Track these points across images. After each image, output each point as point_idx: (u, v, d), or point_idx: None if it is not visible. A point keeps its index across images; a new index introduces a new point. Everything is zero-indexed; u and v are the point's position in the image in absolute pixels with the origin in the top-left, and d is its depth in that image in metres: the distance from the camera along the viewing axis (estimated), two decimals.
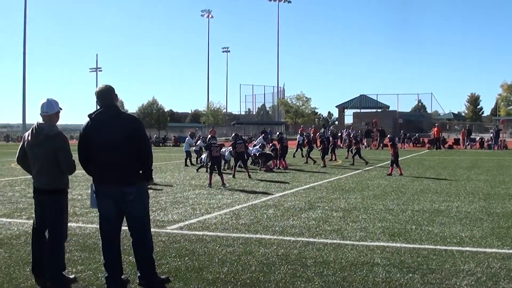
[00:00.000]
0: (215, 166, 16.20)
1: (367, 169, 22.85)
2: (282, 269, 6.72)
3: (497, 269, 6.70)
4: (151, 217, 10.53)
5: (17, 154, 6.35)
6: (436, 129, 45.08)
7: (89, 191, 6.26)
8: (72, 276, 6.31)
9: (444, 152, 40.04)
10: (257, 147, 23.77)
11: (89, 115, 6.03)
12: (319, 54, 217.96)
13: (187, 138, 27.06)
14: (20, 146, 6.35)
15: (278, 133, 27.68)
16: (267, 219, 10.37)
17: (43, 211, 6.19)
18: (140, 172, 6.05)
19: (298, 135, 35.70)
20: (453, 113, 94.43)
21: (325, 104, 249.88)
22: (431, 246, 8.01)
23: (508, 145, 45.41)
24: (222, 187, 15.71)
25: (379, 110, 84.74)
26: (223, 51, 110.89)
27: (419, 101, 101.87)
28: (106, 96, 6.06)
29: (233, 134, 20.61)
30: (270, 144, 24.95)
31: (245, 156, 19.97)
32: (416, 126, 73.96)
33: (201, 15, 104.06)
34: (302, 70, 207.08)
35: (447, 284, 6.10)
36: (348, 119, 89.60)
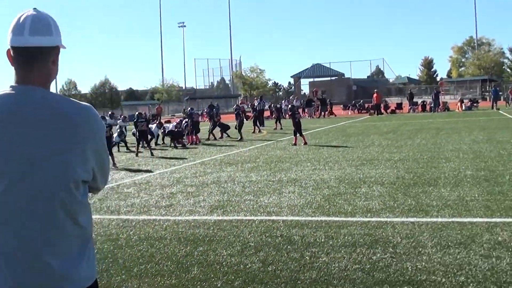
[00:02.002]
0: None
1: (282, 139, 23.13)
2: None
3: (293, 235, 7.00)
4: None
5: None
6: (375, 95, 45.57)
7: None
8: None
9: (382, 118, 40.58)
10: (170, 125, 23.95)
11: None
12: (273, 25, 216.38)
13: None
14: None
15: (189, 108, 27.79)
16: (115, 198, 10.55)
17: None
18: None
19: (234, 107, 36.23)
20: (408, 77, 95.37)
21: (285, 75, 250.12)
22: (214, 217, 8.30)
23: (452, 107, 46.06)
24: (112, 167, 15.84)
25: (333, 78, 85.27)
26: (179, 26, 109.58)
27: (377, 66, 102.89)
28: None
29: (137, 113, 20.77)
30: (184, 120, 25.07)
31: (147, 134, 20.14)
32: (370, 92, 74.56)
33: None
34: (258, 42, 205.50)
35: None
36: (305, 88, 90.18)
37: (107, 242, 7.17)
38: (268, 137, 25.18)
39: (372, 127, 28.91)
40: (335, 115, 47.14)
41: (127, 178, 13.54)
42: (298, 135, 19.91)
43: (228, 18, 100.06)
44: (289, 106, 21.36)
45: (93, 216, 8.21)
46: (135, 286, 5.48)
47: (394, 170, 12.32)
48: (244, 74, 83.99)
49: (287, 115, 48.16)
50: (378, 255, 6.00)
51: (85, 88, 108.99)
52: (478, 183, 10.08)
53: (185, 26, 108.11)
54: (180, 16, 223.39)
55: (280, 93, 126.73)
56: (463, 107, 44.08)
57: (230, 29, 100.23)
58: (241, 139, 24.02)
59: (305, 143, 19.71)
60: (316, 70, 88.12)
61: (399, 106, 49.04)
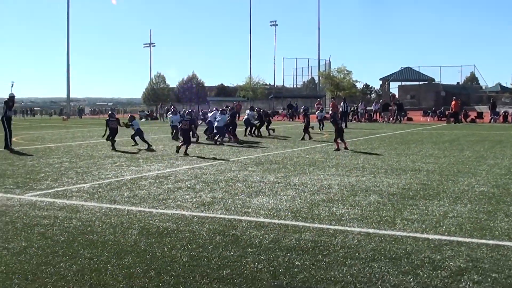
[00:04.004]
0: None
1: (330, 143, 23.10)
2: (45, 223, 7.66)
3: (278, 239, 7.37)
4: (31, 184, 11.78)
5: None
6: (454, 102, 44.16)
7: None
8: None
9: (457, 126, 39.35)
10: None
11: None
12: (363, 26, 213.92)
13: (169, 113, 28.35)
14: None
15: (229, 107, 28.27)
16: (125, 189, 11.26)
17: None
18: None
19: (318, 111, 36.26)
20: (500, 85, 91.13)
21: (374, 78, 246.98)
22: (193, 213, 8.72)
23: None
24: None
25: (421, 83, 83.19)
26: (271, 25, 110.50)
27: (471, 73, 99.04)
28: None
29: (188, 112, 21.68)
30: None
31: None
32: (460, 99, 72.00)
33: None
34: (348, 43, 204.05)
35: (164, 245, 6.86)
36: (394, 92, 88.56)
37: (76, 228, 7.83)
38: (326, 139, 25.31)
39: (435, 136, 28.24)
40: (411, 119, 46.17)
41: (155, 170, 14.27)
42: (339, 140, 20.02)
43: (318, 18, 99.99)
44: (331, 113, 21.34)
45: (89, 203, 8.98)
46: (66, 265, 6.05)
47: (408, 180, 12.26)
48: (331, 75, 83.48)
49: (363, 118, 47.93)
50: (302, 261, 6.23)
51: (173, 82, 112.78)
52: (478, 200, 9.92)
53: (277, 24, 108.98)
54: (269, 15, 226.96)
55: (373, 95, 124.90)
56: None
57: (319, 29, 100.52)
58: (303, 139, 24.62)
59: (346, 148, 19.79)
60: (405, 73, 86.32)
61: (480, 115, 47.21)
